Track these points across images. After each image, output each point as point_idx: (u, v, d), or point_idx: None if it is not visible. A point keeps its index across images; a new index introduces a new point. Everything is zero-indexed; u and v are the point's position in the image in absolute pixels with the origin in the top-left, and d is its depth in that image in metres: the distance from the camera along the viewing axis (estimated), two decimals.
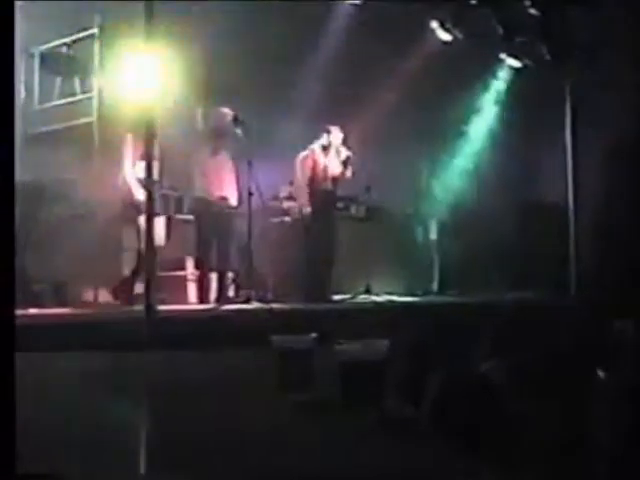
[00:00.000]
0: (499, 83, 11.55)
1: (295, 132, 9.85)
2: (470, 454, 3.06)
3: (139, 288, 7.47)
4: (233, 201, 8.53)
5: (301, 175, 9.08)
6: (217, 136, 8.73)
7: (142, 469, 2.99)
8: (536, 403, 3.34)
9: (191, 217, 8.73)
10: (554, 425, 3.02)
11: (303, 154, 9.14)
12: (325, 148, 9.15)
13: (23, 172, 9.07)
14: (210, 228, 8.48)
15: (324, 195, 9.07)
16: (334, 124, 9.24)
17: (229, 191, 8.59)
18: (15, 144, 8.81)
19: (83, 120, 9.30)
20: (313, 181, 9.04)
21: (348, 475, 2.94)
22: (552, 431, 2.97)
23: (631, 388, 3.02)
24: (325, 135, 9.16)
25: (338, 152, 9.13)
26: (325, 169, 9.09)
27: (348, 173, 9.11)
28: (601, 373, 2.91)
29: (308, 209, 8.95)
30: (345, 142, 9.21)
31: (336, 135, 9.17)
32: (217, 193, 8.69)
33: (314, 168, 9.06)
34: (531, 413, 3.19)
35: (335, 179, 9.17)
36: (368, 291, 9.12)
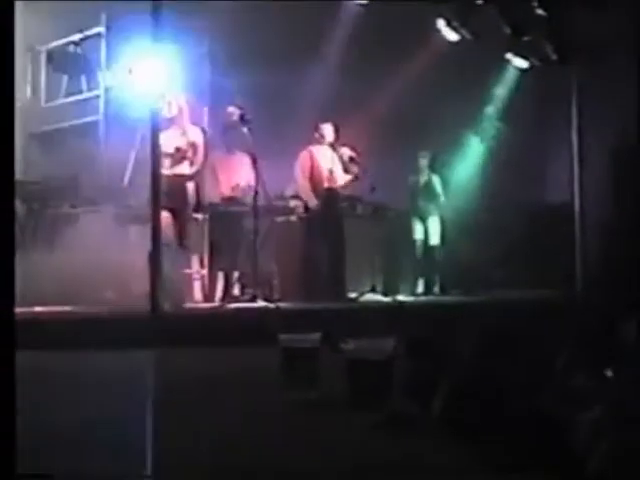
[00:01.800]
0: (506, 83, 11.53)
1: (300, 130, 9.84)
2: (476, 452, 3.06)
3: None
4: (248, 199, 8.51)
5: (301, 174, 9.11)
6: (228, 134, 8.77)
7: (147, 468, 2.99)
8: (542, 401, 3.33)
9: (199, 216, 8.74)
10: (558, 423, 3.02)
11: (302, 153, 9.18)
12: (325, 147, 9.16)
13: (30, 170, 9.16)
14: (217, 227, 8.49)
15: (327, 193, 9.06)
16: (339, 122, 9.25)
17: (244, 189, 8.60)
18: (21, 142, 8.88)
19: (90, 118, 9.33)
20: (312, 179, 9.06)
21: (354, 473, 2.94)
22: (555, 428, 2.97)
23: (637, 387, 3.02)
24: (326, 133, 9.17)
25: (341, 151, 9.14)
26: (326, 168, 9.10)
27: (352, 171, 9.10)
28: (607, 372, 2.91)
29: (312, 207, 8.98)
30: (350, 141, 9.21)
31: (338, 134, 9.20)
32: (227, 192, 8.71)
33: (312, 166, 9.09)
34: (536, 411, 3.19)
35: (341, 177, 9.18)
36: (374, 290, 9.10)
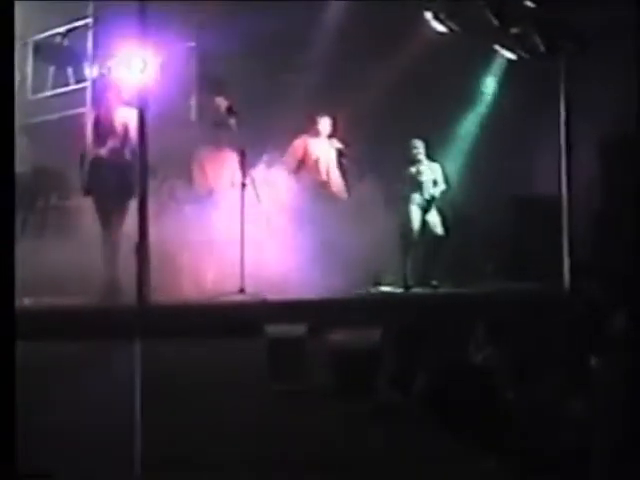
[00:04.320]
0: (493, 75, 11.53)
1: (290, 123, 9.83)
2: (463, 440, 3.08)
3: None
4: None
5: (288, 160, 9.07)
6: (216, 128, 8.75)
7: (137, 461, 2.99)
8: (529, 392, 3.35)
9: None
10: (546, 413, 3.04)
11: (296, 141, 9.17)
12: (321, 139, 9.17)
13: (16, 163, 9.09)
14: None
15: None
16: (329, 114, 9.25)
17: (232, 182, 8.57)
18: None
19: (77, 110, 9.30)
20: (300, 168, 9.05)
21: (340, 462, 2.95)
22: (544, 418, 2.99)
23: (625, 378, 3.03)
24: (321, 126, 9.18)
25: (331, 143, 9.15)
26: (317, 160, 9.10)
27: (342, 164, 9.12)
28: (595, 363, 2.92)
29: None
30: (340, 132, 9.22)
31: (329, 125, 9.20)
32: (215, 186, 8.70)
33: (304, 156, 9.08)
34: (524, 401, 3.20)
35: (331, 170, 9.20)
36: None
